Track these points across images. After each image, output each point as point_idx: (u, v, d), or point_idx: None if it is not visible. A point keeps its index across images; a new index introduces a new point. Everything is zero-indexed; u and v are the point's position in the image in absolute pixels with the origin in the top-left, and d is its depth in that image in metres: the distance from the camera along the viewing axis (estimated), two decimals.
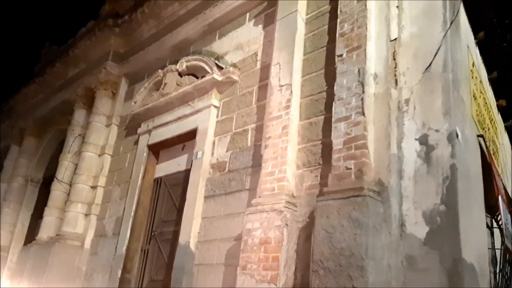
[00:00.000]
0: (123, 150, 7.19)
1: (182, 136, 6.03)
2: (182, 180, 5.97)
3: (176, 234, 5.60)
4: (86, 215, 7.10)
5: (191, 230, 5.09)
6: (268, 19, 5.48)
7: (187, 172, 5.90)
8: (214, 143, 5.49)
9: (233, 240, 4.63)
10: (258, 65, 5.37)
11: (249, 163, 4.90)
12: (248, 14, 5.82)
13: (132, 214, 6.20)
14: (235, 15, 5.96)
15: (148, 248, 6.07)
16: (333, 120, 3.88)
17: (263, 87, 5.13)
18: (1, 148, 11.83)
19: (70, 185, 7.54)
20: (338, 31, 4.20)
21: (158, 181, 6.44)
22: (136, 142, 6.84)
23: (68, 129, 8.27)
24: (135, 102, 6.84)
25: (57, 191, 7.75)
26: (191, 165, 5.61)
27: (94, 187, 7.22)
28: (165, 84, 6.34)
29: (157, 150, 6.59)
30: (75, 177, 7.29)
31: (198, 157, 5.48)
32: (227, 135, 5.36)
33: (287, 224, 3.83)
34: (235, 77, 5.53)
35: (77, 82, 8.57)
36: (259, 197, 4.22)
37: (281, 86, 4.54)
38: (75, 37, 9.76)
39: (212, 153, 5.45)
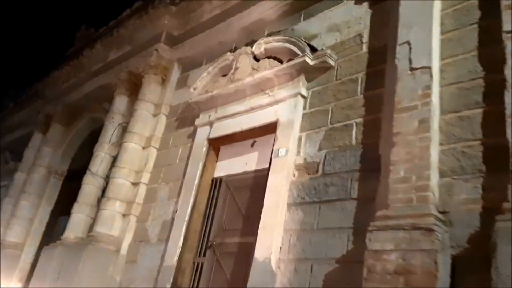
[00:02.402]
0: (174, 144, 6.21)
1: (255, 130, 5.05)
2: (250, 182, 4.99)
3: (243, 246, 4.61)
4: (124, 215, 6.07)
5: (272, 244, 4.08)
6: None
7: (258, 173, 4.92)
8: (300, 139, 4.52)
9: (335, 262, 3.62)
10: (364, 49, 4.41)
11: (356, 165, 3.90)
12: None
13: (187, 218, 5.17)
14: None
15: (203, 261, 5.03)
16: (507, 114, 2.89)
17: (373, 73, 4.18)
18: (23, 135, 10.92)
19: (106, 180, 6.60)
20: (504, 2, 3.25)
21: (217, 182, 5.44)
22: (192, 135, 5.86)
23: (106, 117, 7.32)
24: (194, 89, 5.88)
25: (89, 185, 6.76)
26: (269, 164, 4.61)
27: (135, 184, 6.20)
28: (237, 68, 5.39)
29: (218, 145, 5.60)
30: (114, 170, 6.29)
31: (280, 155, 4.48)
32: (320, 131, 4.38)
33: (440, 249, 2.82)
34: (331, 62, 4.56)
35: (120, 66, 7.64)
36: (387, 209, 3.22)
37: (413, 69, 3.56)
38: (117, 19, 8.94)
39: (298, 152, 4.46)
